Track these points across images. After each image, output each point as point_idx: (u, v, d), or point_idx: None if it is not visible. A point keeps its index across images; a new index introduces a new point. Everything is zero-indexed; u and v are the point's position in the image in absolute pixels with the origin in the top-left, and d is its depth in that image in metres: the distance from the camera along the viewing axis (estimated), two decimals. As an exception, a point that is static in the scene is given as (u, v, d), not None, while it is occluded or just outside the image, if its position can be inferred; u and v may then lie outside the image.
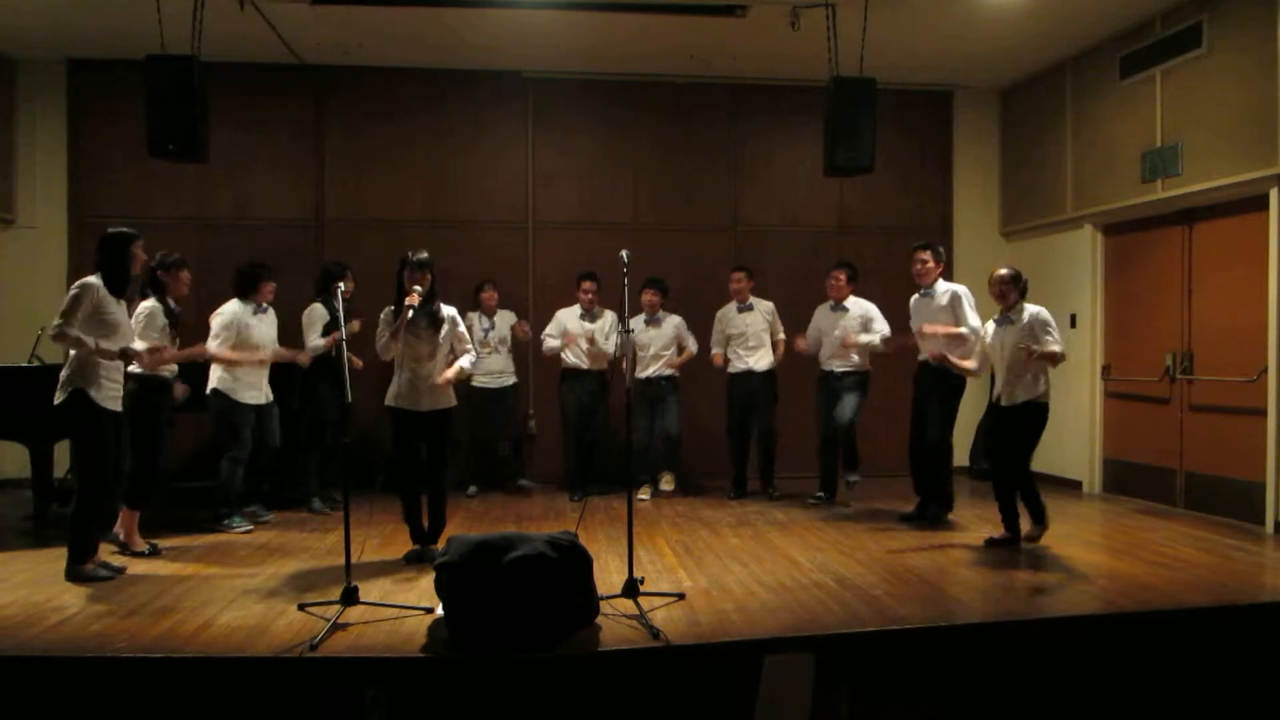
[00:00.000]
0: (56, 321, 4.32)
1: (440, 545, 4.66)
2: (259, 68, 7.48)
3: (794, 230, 8.14)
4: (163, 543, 5.21)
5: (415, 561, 4.84)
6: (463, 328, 5.06)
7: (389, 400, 4.92)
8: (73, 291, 4.39)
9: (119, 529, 5.05)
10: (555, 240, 7.94)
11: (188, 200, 7.53)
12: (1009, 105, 8.32)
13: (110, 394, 4.48)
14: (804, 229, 8.16)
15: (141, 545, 5.05)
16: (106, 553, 4.81)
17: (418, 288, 4.72)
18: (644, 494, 6.96)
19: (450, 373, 4.89)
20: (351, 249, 7.34)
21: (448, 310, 4.96)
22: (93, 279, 4.44)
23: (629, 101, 7.99)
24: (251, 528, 5.73)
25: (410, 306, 4.68)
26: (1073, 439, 7.34)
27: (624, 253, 4.44)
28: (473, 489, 7.08)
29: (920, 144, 8.30)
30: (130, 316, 4.75)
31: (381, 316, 4.87)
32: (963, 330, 5.60)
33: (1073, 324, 7.32)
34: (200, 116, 5.60)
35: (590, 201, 8.00)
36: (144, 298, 5.09)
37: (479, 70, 7.76)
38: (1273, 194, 5.65)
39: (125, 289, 4.56)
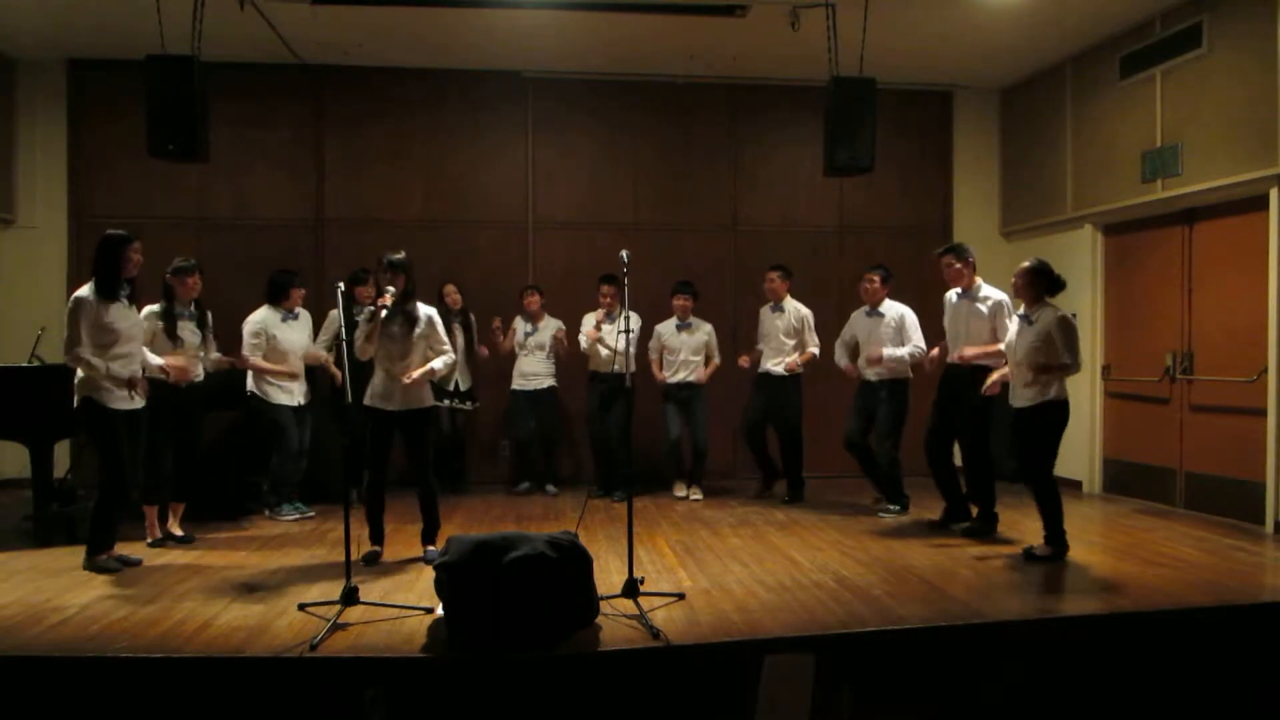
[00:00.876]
0: (65, 344, 4.52)
1: (439, 545, 4.67)
2: (259, 68, 7.48)
3: (794, 230, 8.14)
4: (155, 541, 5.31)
5: (370, 563, 4.82)
6: (441, 329, 5.01)
7: (366, 400, 4.90)
8: (69, 311, 4.54)
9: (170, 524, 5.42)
10: (555, 240, 7.94)
11: (188, 200, 7.53)
12: (1009, 105, 8.32)
13: (120, 396, 4.65)
14: (804, 229, 8.16)
15: (153, 535, 5.28)
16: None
17: (390, 288, 4.73)
18: (680, 490, 7.07)
19: (417, 373, 4.82)
20: (351, 249, 7.35)
21: (424, 310, 4.94)
22: (83, 291, 4.59)
23: (629, 101, 7.99)
24: (297, 517, 6.07)
25: (383, 308, 4.68)
26: (1073, 439, 7.28)
27: (624, 253, 4.44)
28: (525, 485, 7.21)
29: (920, 144, 8.29)
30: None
31: (361, 316, 4.88)
32: (1001, 347, 5.32)
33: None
34: (200, 116, 5.59)
35: (590, 201, 8.00)
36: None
37: (479, 70, 7.76)
38: (1273, 194, 5.65)
39: (118, 291, 4.64)
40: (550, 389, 7.13)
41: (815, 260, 8.01)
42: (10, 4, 6.32)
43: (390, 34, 6.95)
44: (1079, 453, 7.34)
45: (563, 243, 7.91)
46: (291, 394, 6.06)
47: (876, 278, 6.37)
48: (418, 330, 4.87)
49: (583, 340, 6.95)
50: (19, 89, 7.42)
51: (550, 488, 7.19)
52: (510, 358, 7.16)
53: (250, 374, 6.01)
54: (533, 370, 7.07)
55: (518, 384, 7.10)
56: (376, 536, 4.97)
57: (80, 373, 4.59)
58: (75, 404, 4.65)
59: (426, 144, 7.81)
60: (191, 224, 7.53)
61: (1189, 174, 6.23)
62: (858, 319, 6.51)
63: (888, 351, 6.13)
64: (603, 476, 7.09)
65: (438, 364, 4.93)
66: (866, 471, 6.47)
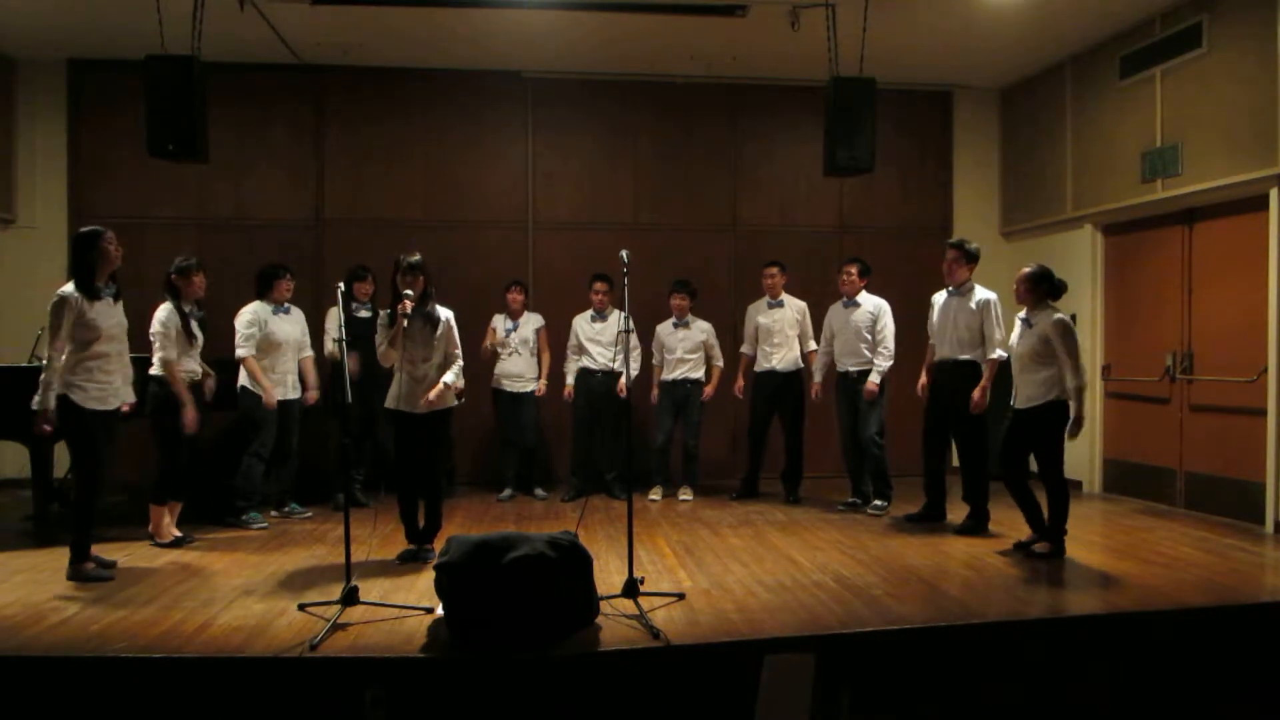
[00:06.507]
0: (49, 339, 4.37)
1: (438, 546, 4.67)
2: (259, 68, 7.48)
3: (794, 230, 8.14)
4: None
5: (408, 561, 4.85)
6: (456, 332, 4.98)
7: (388, 402, 4.93)
8: (51, 309, 4.38)
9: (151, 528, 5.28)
10: (555, 240, 7.94)
11: (188, 200, 7.53)
12: (1009, 105, 8.32)
13: (95, 395, 4.47)
14: (804, 229, 8.16)
15: (168, 536, 5.24)
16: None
17: (409, 292, 4.71)
18: (655, 494, 6.93)
19: (432, 394, 4.78)
20: (351, 249, 7.35)
21: (443, 312, 4.94)
22: (66, 289, 4.44)
23: (629, 101, 7.99)
24: (267, 524, 5.83)
25: (404, 315, 4.66)
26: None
27: (624, 253, 4.44)
28: (507, 492, 6.93)
29: (920, 144, 8.30)
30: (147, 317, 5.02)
31: (379, 321, 4.89)
32: (992, 357, 5.58)
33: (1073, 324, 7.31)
34: (200, 116, 5.59)
35: (590, 201, 8.00)
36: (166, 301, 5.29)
37: (479, 70, 7.76)
38: (1273, 194, 5.65)
39: (97, 287, 4.50)
40: (535, 390, 6.91)
41: (815, 260, 8.01)
42: (10, 4, 6.32)
43: (390, 34, 6.95)
44: (1079, 453, 7.33)
45: (563, 243, 7.91)
46: (284, 388, 5.95)
47: (854, 269, 6.45)
48: (439, 331, 4.87)
49: (573, 363, 6.88)
50: (19, 89, 7.42)
51: (539, 491, 7.01)
52: (491, 360, 6.90)
53: (242, 369, 5.89)
54: (517, 370, 6.82)
55: (501, 385, 6.84)
56: (412, 535, 5.00)
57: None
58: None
59: (426, 144, 7.81)
60: (191, 224, 7.53)
61: (1189, 174, 6.23)
62: (835, 311, 6.58)
63: (872, 384, 6.22)
64: (578, 479, 6.95)
65: (449, 377, 4.87)
66: (857, 469, 6.53)
